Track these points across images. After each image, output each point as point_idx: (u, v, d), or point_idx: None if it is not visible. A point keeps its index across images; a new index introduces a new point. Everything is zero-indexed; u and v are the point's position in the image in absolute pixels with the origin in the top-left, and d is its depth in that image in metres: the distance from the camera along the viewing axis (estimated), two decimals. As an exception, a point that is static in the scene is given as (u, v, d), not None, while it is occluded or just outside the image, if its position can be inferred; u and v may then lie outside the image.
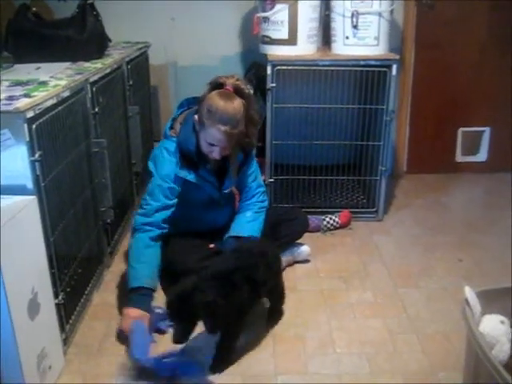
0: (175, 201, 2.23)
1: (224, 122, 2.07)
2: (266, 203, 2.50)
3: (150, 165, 2.28)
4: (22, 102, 1.67)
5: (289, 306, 2.27)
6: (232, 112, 2.08)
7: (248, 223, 2.38)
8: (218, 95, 2.11)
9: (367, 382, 1.86)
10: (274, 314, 2.19)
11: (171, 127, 2.31)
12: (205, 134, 2.14)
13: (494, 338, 1.37)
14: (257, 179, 2.48)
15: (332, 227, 2.95)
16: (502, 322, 1.42)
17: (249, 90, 2.21)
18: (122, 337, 2.03)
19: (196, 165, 2.25)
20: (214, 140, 2.13)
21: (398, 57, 2.84)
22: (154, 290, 2.14)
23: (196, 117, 2.18)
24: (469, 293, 1.43)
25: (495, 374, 1.21)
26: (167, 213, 2.21)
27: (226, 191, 2.37)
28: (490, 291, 1.52)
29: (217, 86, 2.15)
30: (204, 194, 2.32)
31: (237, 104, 2.10)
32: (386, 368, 1.92)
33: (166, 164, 2.22)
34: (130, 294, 2.10)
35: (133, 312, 2.04)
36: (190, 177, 2.24)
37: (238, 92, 2.14)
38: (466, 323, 1.37)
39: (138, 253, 2.17)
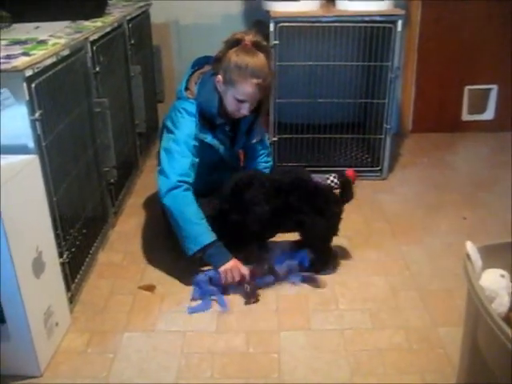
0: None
1: (256, 75, 2.08)
2: (270, 164, 2.51)
3: (169, 125, 2.23)
4: (21, 61, 1.65)
5: (292, 263, 2.30)
6: (261, 65, 2.10)
7: None
8: (242, 51, 2.10)
9: (369, 337, 1.88)
10: (316, 265, 2.23)
11: (186, 88, 2.29)
12: (234, 91, 2.13)
13: (493, 291, 1.37)
14: (263, 140, 2.48)
15: (336, 186, 2.94)
16: (502, 276, 1.42)
17: (266, 43, 2.21)
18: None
19: (215, 127, 2.24)
20: (245, 95, 2.13)
21: (403, 12, 2.79)
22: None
23: (219, 77, 2.15)
24: (470, 248, 1.43)
25: (494, 326, 1.21)
26: (195, 171, 2.18)
27: (236, 151, 2.39)
28: (492, 246, 1.51)
29: (234, 43, 2.14)
30: (216, 155, 2.30)
31: (262, 58, 2.11)
32: (388, 324, 1.94)
33: (188, 124, 2.18)
34: (209, 249, 2.06)
35: (235, 262, 2.08)
36: (209, 139, 2.22)
37: (258, 46, 2.13)
38: (466, 277, 1.37)
39: (193, 209, 2.09)
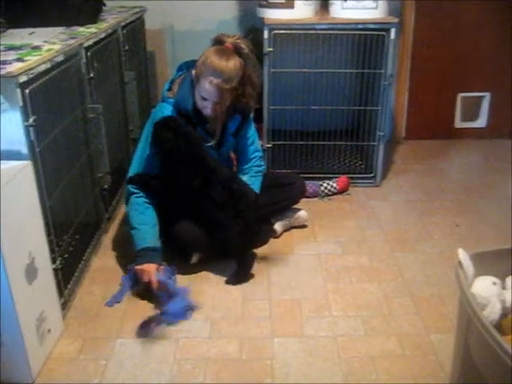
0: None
1: (216, 75, 2.09)
2: (262, 168, 2.51)
3: (146, 125, 2.27)
4: (15, 67, 1.66)
5: (286, 269, 2.31)
6: (225, 67, 2.10)
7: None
8: (215, 50, 2.13)
9: (362, 343, 1.88)
10: (238, 276, 2.25)
11: (169, 89, 2.30)
12: (199, 87, 2.15)
13: (485, 298, 1.38)
14: (254, 143, 2.48)
15: (330, 193, 2.95)
16: (494, 283, 1.43)
17: (249, 50, 2.20)
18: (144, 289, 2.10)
19: (193, 125, 2.24)
20: (205, 93, 2.14)
21: (396, 20, 2.80)
22: (160, 250, 2.16)
23: (193, 72, 2.18)
24: (462, 255, 1.44)
25: (485, 333, 1.22)
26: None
27: (225, 153, 2.38)
28: (484, 254, 1.52)
29: (218, 42, 2.17)
30: None
31: (233, 61, 2.11)
32: (381, 330, 1.95)
33: None
34: (139, 253, 2.13)
35: (151, 266, 2.08)
36: None
37: (237, 50, 2.15)
38: (458, 285, 1.38)
39: (138, 214, 2.19)
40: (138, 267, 2.10)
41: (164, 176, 2.18)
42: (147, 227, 2.18)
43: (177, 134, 2.11)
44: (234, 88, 2.14)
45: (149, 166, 2.21)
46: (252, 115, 2.44)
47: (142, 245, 2.14)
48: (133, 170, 2.26)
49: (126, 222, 2.27)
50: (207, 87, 2.11)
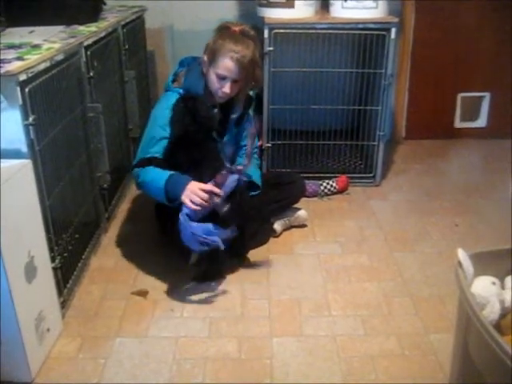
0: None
1: (236, 51, 2.12)
2: (259, 162, 2.52)
3: (151, 114, 2.27)
4: (15, 65, 1.66)
5: (285, 269, 2.31)
6: (242, 45, 2.14)
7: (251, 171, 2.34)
8: (226, 34, 2.16)
9: (361, 343, 1.88)
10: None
11: (173, 81, 2.30)
12: (215, 67, 2.16)
13: (484, 298, 1.38)
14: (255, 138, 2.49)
15: (329, 192, 2.95)
16: (493, 283, 1.43)
17: (255, 33, 2.23)
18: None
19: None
20: (226, 70, 2.15)
21: (396, 20, 2.80)
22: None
23: (205, 57, 2.20)
24: (462, 255, 1.44)
25: (485, 333, 1.22)
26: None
27: (227, 143, 2.37)
28: (483, 253, 1.52)
29: (223, 29, 2.20)
30: None
31: (246, 42, 2.16)
32: (381, 330, 1.95)
33: (163, 114, 2.19)
34: (168, 186, 2.03)
35: (194, 182, 2.01)
36: None
37: (245, 34, 2.18)
38: (457, 284, 1.38)
39: (152, 171, 2.11)
40: (184, 196, 1.97)
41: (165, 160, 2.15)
42: (160, 172, 2.08)
43: (187, 113, 2.13)
44: (250, 64, 2.16)
45: (152, 151, 2.16)
46: (251, 111, 2.44)
47: (164, 178, 2.03)
48: (138, 156, 2.21)
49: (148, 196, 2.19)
50: (228, 64, 2.13)
